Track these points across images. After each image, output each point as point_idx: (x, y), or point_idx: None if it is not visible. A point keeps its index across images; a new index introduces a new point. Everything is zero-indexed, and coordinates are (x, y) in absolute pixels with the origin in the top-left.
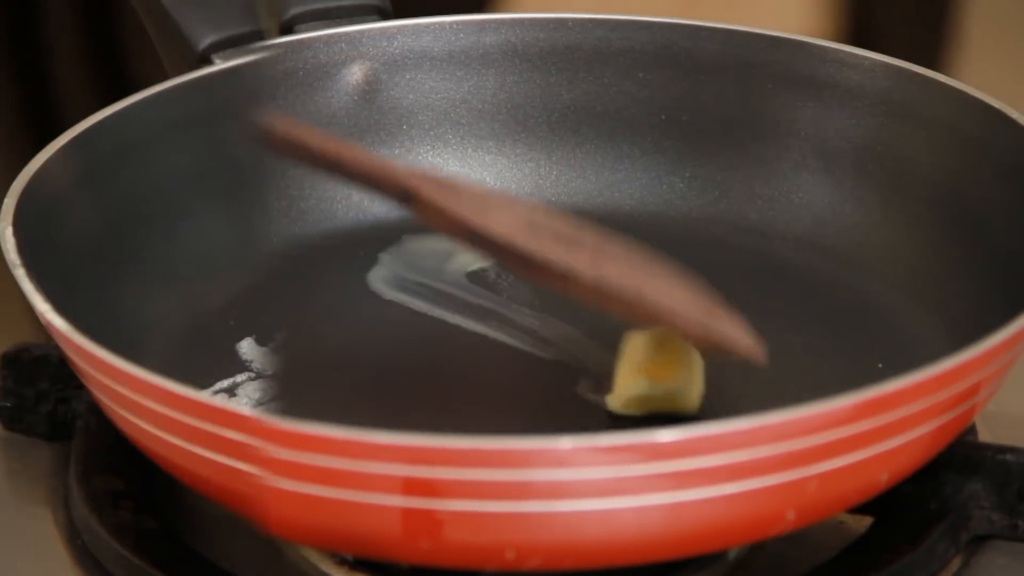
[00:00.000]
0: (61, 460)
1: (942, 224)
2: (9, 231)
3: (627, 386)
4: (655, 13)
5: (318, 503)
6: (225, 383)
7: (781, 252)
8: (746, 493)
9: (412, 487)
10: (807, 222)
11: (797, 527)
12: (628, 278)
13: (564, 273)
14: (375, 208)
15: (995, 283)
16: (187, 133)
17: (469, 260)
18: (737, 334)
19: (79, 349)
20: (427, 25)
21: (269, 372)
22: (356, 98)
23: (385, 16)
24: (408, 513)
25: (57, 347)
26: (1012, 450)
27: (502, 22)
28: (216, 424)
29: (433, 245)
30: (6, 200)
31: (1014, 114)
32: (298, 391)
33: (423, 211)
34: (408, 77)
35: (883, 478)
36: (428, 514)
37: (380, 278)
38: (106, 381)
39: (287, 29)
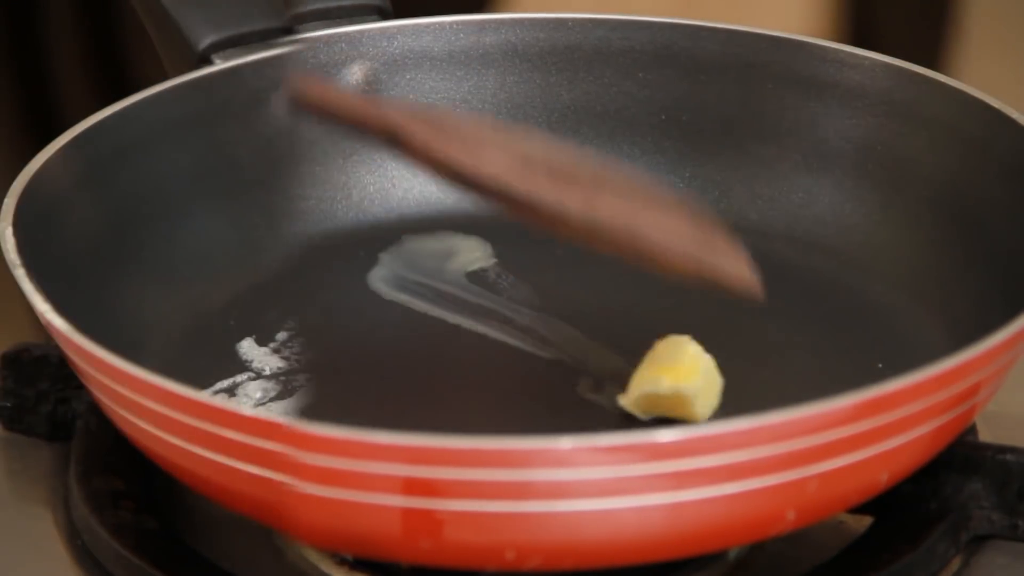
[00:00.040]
0: (61, 460)
1: (942, 224)
2: (9, 231)
3: (642, 384)
4: (655, 13)
5: (331, 505)
6: (225, 383)
7: (781, 252)
8: (746, 493)
9: (413, 487)
10: (807, 222)
11: (797, 527)
12: (621, 214)
13: (553, 214)
14: (375, 208)
15: (995, 283)
16: (187, 133)
17: (469, 260)
18: (733, 268)
19: (79, 349)
20: (427, 25)
21: (269, 372)
22: None
23: (385, 16)
24: (408, 513)
25: (57, 347)
26: (1012, 450)
27: (502, 22)
28: (209, 422)
29: (433, 245)
30: (6, 200)
31: (1014, 114)
32: (298, 391)
33: (411, 153)
34: (408, 77)
35: (883, 478)
36: (428, 514)
37: (380, 278)
38: (106, 381)
39: (287, 29)
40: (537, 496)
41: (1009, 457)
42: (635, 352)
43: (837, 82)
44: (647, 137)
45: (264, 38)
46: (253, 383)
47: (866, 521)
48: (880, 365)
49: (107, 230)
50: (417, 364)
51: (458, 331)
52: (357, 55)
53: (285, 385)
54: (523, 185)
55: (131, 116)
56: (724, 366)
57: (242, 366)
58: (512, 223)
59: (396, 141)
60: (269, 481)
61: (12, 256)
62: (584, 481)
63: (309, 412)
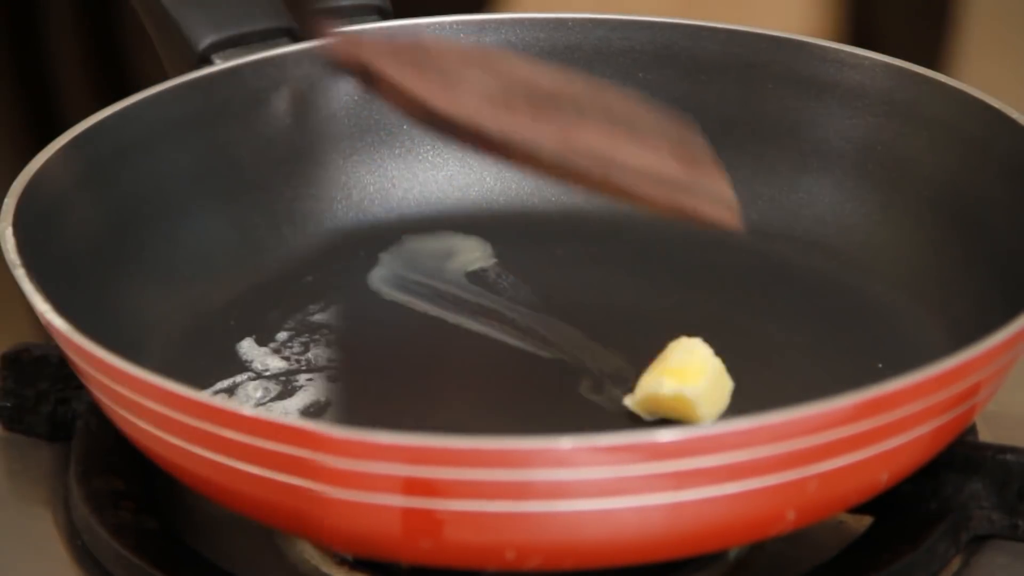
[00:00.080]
0: (61, 460)
1: (943, 224)
2: (9, 231)
3: (648, 384)
4: (655, 13)
5: (331, 504)
6: (225, 383)
7: (781, 252)
8: (746, 493)
9: (413, 487)
10: (807, 222)
11: (797, 527)
12: (598, 148)
13: (527, 152)
14: (375, 208)
15: (995, 283)
16: (187, 133)
17: (469, 260)
18: (713, 201)
19: (79, 349)
20: (427, 25)
21: (269, 372)
22: (356, 97)
23: (385, 16)
24: (408, 513)
25: (57, 347)
26: (1012, 450)
27: (502, 22)
28: (210, 423)
29: (433, 245)
30: (6, 200)
31: (1014, 114)
32: (298, 391)
33: (383, 91)
34: None
35: (883, 478)
36: (428, 514)
37: (380, 278)
38: (106, 381)
39: (288, 29)
40: (537, 496)
41: (1009, 457)
42: (635, 352)
43: (837, 82)
44: None
45: (264, 38)
46: (253, 383)
47: (866, 521)
48: (880, 365)
49: (107, 230)
50: (417, 364)
51: (458, 331)
52: None
53: (285, 385)
54: (496, 124)
55: (131, 116)
56: (723, 365)
57: (242, 366)
58: (512, 223)
59: (369, 80)
60: (271, 481)
61: (12, 256)
62: (584, 481)
63: (309, 412)
